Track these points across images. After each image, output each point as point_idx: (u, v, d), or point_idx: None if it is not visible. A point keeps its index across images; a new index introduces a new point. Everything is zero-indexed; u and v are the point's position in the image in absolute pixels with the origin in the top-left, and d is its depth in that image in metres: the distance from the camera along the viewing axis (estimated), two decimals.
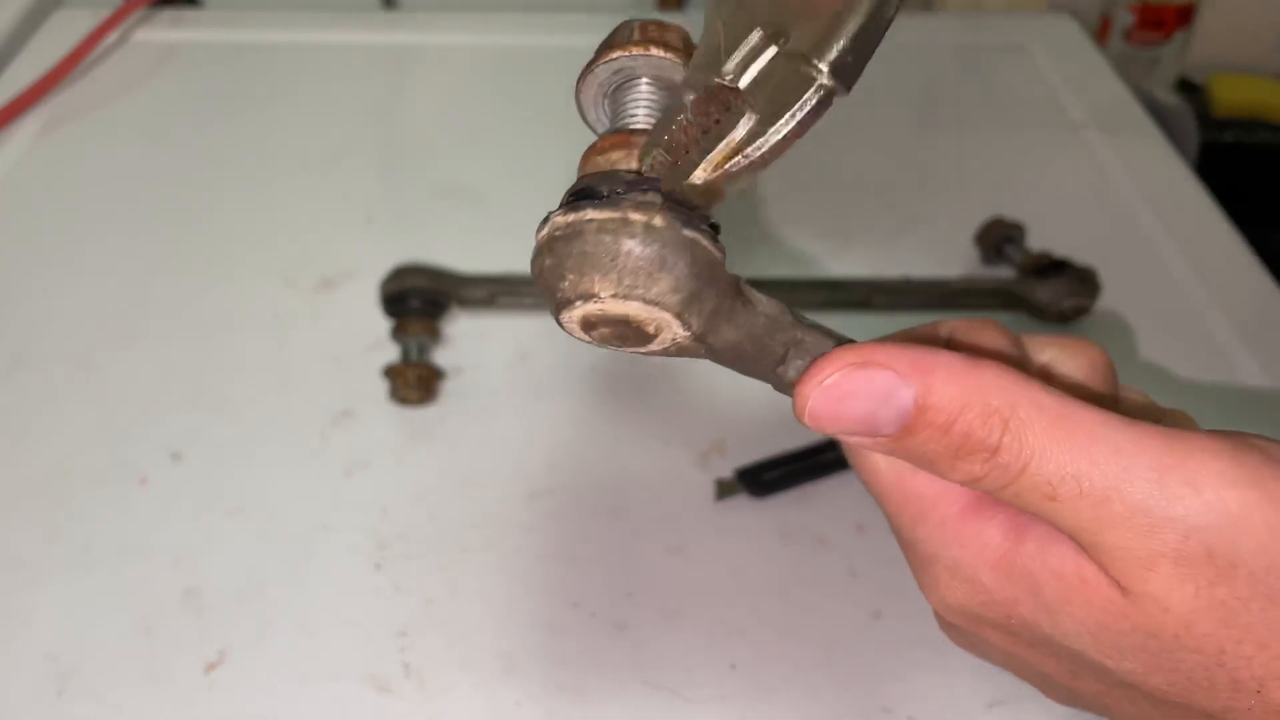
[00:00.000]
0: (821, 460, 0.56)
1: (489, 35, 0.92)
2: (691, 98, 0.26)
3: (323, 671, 0.48)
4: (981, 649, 0.33)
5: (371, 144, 0.81)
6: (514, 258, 0.67)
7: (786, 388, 0.30)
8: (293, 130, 0.81)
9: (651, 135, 0.27)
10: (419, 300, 0.63)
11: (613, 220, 0.26)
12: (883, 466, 0.31)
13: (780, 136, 0.25)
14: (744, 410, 0.60)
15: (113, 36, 0.88)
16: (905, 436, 0.28)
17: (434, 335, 0.62)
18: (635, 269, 0.26)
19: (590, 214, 0.26)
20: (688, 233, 0.26)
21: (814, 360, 0.29)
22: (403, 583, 0.52)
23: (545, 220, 0.27)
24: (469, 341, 0.64)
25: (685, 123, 0.26)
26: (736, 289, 0.28)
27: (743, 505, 0.55)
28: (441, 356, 0.63)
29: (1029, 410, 0.28)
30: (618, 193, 0.26)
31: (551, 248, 0.26)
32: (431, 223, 0.73)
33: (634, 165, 0.27)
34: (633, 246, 0.26)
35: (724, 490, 0.55)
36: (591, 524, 0.55)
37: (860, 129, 0.83)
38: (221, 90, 0.86)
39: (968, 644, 0.33)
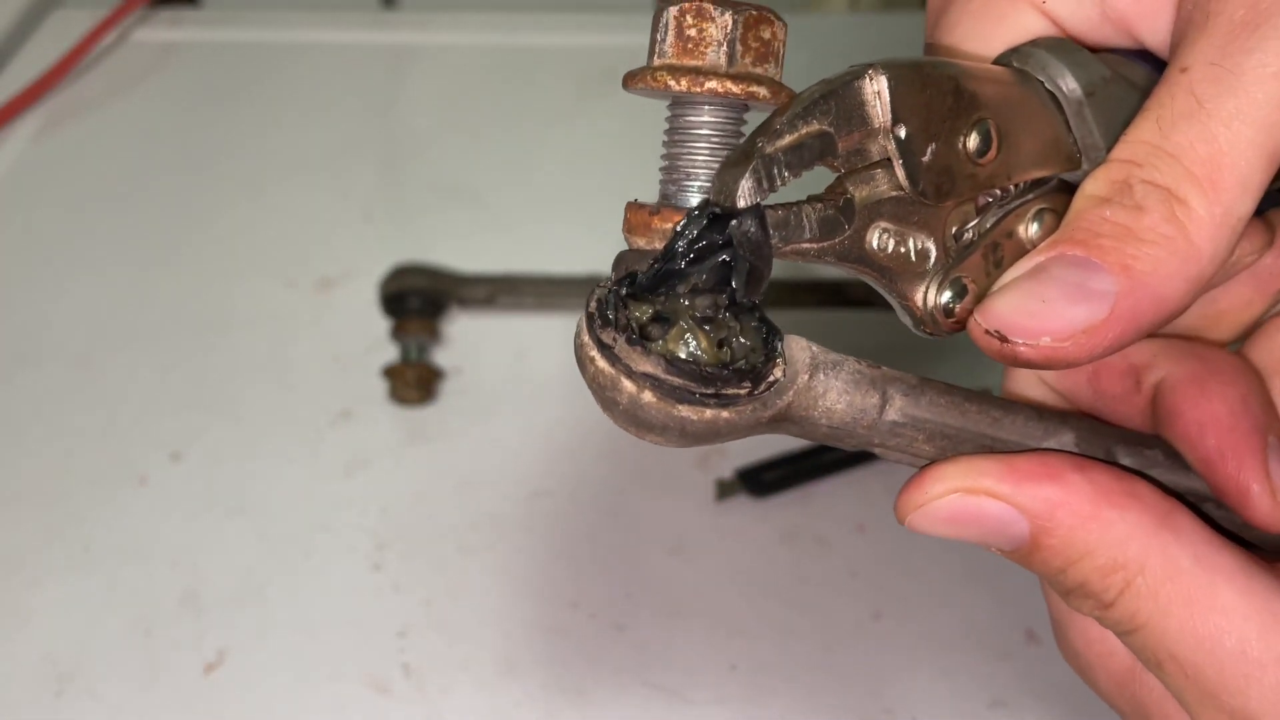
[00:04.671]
0: (822, 461, 0.56)
1: (488, 35, 0.91)
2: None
3: (322, 672, 0.48)
4: None
5: (371, 143, 0.81)
6: (513, 257, 0.66)
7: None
8: (292, 130, 0.81)
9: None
10: (418, 300, 0.63)
11: (606, 375, 0.25)
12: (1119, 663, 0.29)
13: None
14: None
15: (111, 36, 0.88)
16: (1017, 557, 0.26)
17: (433, 335, 0.62)
18: (627, 418, 0.25)
19: (594, 354, 0.25)
20: (681, 410, 0.24)
21: (918, 470, 0.26)
22: (402, 583, 0.52)
23: (588, 296, 0.25)
24: (468, 341, 0.64)
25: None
26: (780, 416, 0.25)
27: (743, 505, 0.55)
28: (441, 356, 0.63)
29: (1157, 576, 0.25)
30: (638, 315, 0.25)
31: (574, 346, 0.26)
32: (431, 222, 0.73)
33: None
34: (623, 405, 0.25)
35: (724, 490, 0.55)
36: (591, 524, 0.54)
37: None
38: (220, 90, 0.86)
39: None
